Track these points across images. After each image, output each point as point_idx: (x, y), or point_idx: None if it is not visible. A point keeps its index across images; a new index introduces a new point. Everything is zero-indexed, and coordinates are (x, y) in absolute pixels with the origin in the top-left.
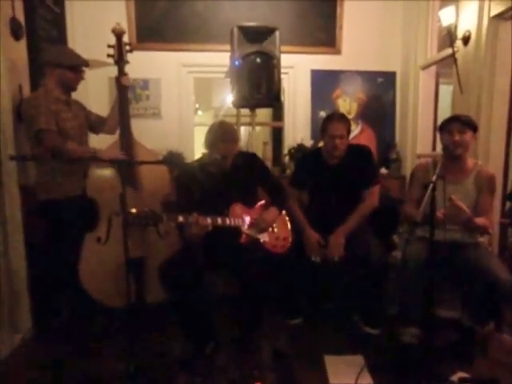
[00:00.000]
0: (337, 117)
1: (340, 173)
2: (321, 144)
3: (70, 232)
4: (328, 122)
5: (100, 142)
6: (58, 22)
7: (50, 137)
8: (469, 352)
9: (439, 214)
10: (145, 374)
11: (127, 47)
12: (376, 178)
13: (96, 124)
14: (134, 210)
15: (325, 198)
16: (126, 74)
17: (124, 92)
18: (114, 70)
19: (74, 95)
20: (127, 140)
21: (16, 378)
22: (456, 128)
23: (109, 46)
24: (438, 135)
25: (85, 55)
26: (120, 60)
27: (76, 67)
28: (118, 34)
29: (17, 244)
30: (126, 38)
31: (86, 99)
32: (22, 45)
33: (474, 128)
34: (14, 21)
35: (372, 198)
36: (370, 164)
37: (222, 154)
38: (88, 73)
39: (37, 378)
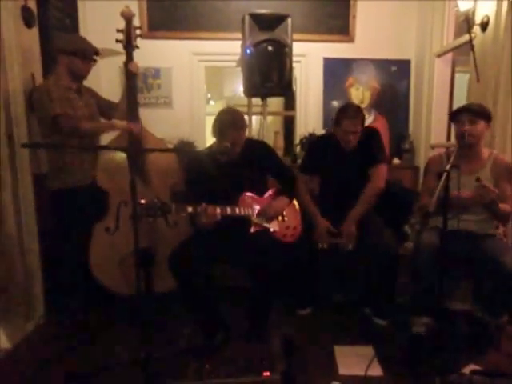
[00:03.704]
0: (352, 112)
1: (354, 158)
2: None
3: (80, 221)
4: (343, 116)
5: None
6: (70, 10)
7: (67, 120)
8: (481, 344)
9: (465, 194)
10: (155, 361)
11: (137, 31)
12: (381, 157)
13: (107, 109)
14: (143, 201)
15: (339, 182)
16: (133, 61)
17: (132, 79)
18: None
19: (87, 84)
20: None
21: (28, 363)
22: (466, 118)
23: (118, 31)
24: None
25: (97, 44)
26: (129, 45)
27: (86, 55)
28: (127, 18)
29: (30, 232)
30: (136, 26)
31: (98, 88)
32: (34, 33)
33: (486, 117)
34: (25, 9)
35: (377, 179)
36: (374, 142)
37: (231, 142)
38: (100, 62)
39: (49, 364)
